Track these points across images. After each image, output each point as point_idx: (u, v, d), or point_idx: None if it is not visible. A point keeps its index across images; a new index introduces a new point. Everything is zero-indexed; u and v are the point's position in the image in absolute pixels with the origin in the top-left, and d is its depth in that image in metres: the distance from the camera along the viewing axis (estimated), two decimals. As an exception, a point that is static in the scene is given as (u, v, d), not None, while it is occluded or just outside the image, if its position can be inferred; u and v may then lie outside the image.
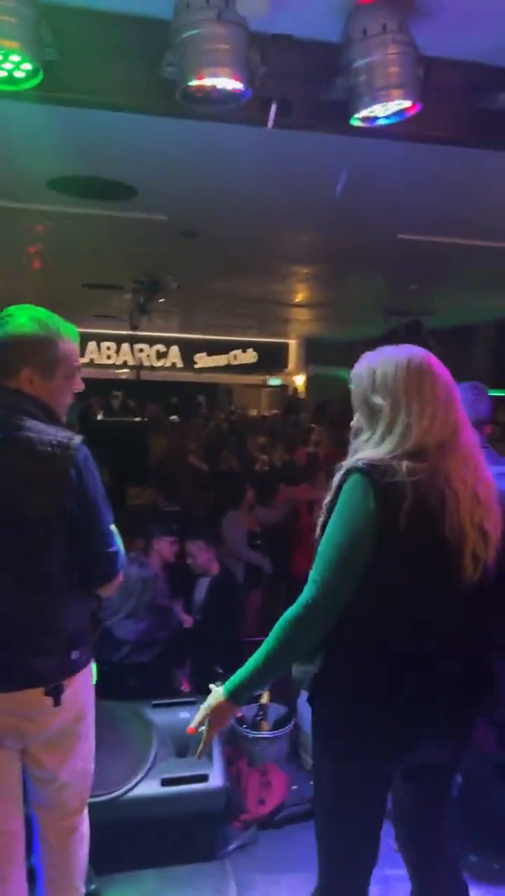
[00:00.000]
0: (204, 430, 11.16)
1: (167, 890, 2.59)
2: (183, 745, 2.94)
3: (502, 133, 2.52)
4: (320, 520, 1.66)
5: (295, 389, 16.88)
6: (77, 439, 1.79)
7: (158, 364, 15.99)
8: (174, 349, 16.13)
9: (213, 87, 2.16)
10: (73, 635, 1.83)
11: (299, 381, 16.97)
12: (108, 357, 15.54)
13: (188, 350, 16.26)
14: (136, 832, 2.62)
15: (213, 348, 16.44)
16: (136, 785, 2.62)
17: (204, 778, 2.70)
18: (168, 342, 15.94)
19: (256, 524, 5.47)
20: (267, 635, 1.63)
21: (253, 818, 2.92)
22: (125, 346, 15.32)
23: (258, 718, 3.39)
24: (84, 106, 2.37)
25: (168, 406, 14.26)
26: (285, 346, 17.01)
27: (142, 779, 2.64)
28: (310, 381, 16.61)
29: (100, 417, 11.21)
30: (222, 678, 3.75)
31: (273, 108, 2.27)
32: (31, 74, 2.12)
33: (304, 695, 3.39)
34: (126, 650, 3.38)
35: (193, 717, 1.76)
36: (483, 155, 3.01)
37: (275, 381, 17.43)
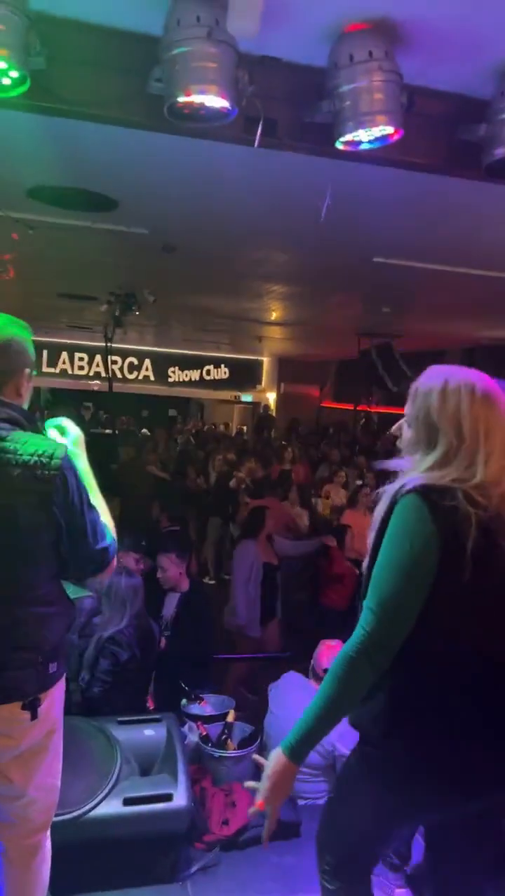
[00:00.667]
0: (168, 441, 11.16)
1: (127, 912, 2.53)
2: (147, 764, 2.89)
3: (478, 163, 2.57)
4: (369, 551, 1.56)
5: (266, 406, 16.96)
6: (61, 449, 1.78)
7: (131, 377, 15.94)
8: (147, 362, 16.11)
9: (201, 105, 2.18)
10: (52, 648, 1.81)
11: (271, 398, 17.04)
12: (81, 368, 15.44)
13: (161, 364, 16.25)
14: (97, 852, 2.56)
15: (187, 363, 16.46)
16: (98, 804, 2.56)
17: (168, 797, 2.65)
18: (141, 355, 15.92)
19: (273, 556, 5.33)
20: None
21: (216, 839, 2.88)
22: (98, 358, 15.25)
23: (224, 737, 3.35)
24: (70, 116, 2.36)
25: (139, 419, 14.21)
26: (259, 364, 17.11)
27: (104, 797, 2.59)
28: (281, 399, 16.70)
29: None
30: (188, 695, 3.72)
31: (259, 127, 2.30)
32: (18, 82, 2.12)
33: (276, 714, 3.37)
34: (121, 659, 3.32)
35: (258, 788, 1.59)
36: (458, 183, 3.09)
37: (247, 398, 17.48)
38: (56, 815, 2.39)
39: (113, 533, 1.90)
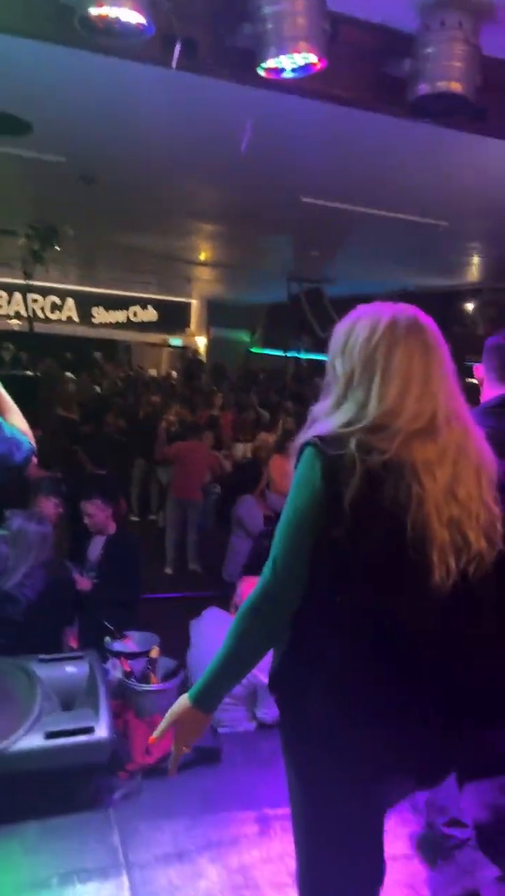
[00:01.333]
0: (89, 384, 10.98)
1: (50, 840, 2.59)
2: (69, 700, 2.92)
3: (403, 99, 2.55)
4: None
5: (195, 351, 16.76)
6: None
7: (53, 317, 15.38)
8: (70, 301, 15.55)
9: (115, 19, 2.05)
10: None
11: (201, 342, 16.85)
12: (-1, 306, 14.77)
13: (85, 303, 15.72)
14: (20, 785, 2.59)
15: (112, 303, 15.99)
16: (19, 738, 2.58)
17: (89, 730, 2.69)
18: (63, 294, 15.34)
19: (268, 509, 5.52)
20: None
21: (138, 768, 2.96)
22: (17, 296, 14.59)
23: (147, 672, 3.42)
24: (-27, 24, 2.19)
25: (63, 361, 13.79)
26: (187, 306, 16.80)
27: (25, 732, 2.61)
28: (211, 344, 16.54)
29: (-11, 369, 10.72)
30: (112, 634, 3.76)
31: (177, 47, 2.19)
32: None
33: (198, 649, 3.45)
34: (22, 608, 3.29)
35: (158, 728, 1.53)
36: (384, 122, 3.05)
37: (176, 342, 17.22)
38: (-25, 752, 2.41)
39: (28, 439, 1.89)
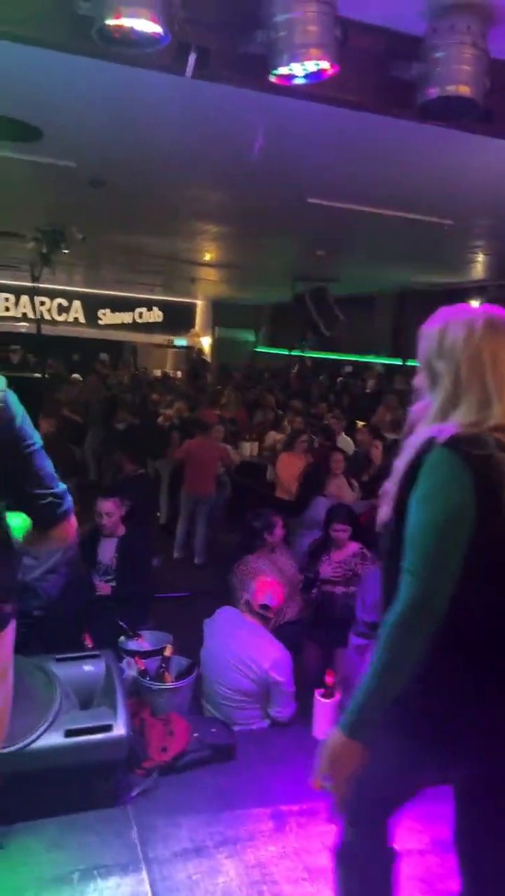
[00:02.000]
0: (100, 387, 11.05)
1: (69, 836, 2.63)
2: (87, 698, 2.97)
3: (411, 102, 2.57)
4: (392, 505, 1.47)
5: (200, 351, 16.81)
6: (1, 382, 1.72)
7: (60, 319, 15.47)
8: (77, 304, 15.64)
9: (131, 29, 2.09)
10: (4, 590, 1.80)
11: (206, 342, 16.90)
12: (7, 309, 14.85)
13: (91, 305, 15.81)
14: (40, 782, 2.63)
15: (118, 305, 16.07)
16: (39, 736, 2.62)
17: (108, 728, 2.73)
18: (70, 296, 15.43)
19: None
20: None
21: (155, 765, 3.00)
22: (24, 299, 14.68)
23: (161, 670, 3.46)
24: (-8, 35, 2.23)
25: (70, 363, 13.86)
26: (192, 307, 16.87)
27: (45, 730, 2.65)
28: (216, 343, 16.59)
29: (-4, 372, 10.78)
30: (126, 633, 3.81)
31: (192, 56, 2.23)
32: None
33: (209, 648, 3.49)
34: (43, 603, 3.34)
35: (317, 768, 1.49)
36: (391, 123, 3.08)
37: (181, 342, 17.27)
38: (-2, 749, 2.45)
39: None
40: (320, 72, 2.31)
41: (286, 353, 13.59)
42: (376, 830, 1.72)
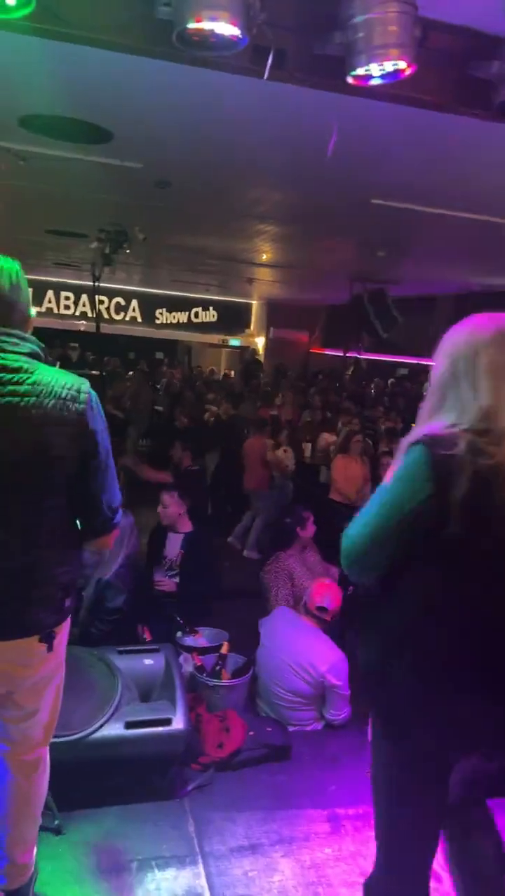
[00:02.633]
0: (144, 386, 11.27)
1: (127, 825, 2.68)
2: (147, 691, 3.01)
3: (488, 102, 2.53)
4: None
5: (254, 351, 16.86)
6: (86, 384, 1.78)
7: (118, 317, 15.74)
8: (134, 303, 15.89)
9: (211, 32, 2.11)
10: (69, 584, 1.86)
11: (260, 342, 16.93)
12: (67, 308, 15.20)
13: (148, 305, 16.03)
14: (100, 772, 2.70)
15: (175, 305, 16.25)
16: (100, 727, 2.68)
17: (167, 721, 2.78)
18: (128, 296, 15.68)
19: None
20: None
21: (211, 761, 3.03)
22: (84, 298, 15.00)
23: (218, 668, 3.49)
24: (73, 41, 2.28)
25: (126, 361, 14.10)
26: (248, 307, 16.93)
27: (106, 721, 2.70)
28: (270, 344, 16.60)
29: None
30: (182, 628, 3.85)
31: (270, 58, 2.24)
32: (22, 3, 2.03)
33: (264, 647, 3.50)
34: (121, 596, 3.44)
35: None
36: (464, 123, 3.03)
37: (235, 342, 17.35)
38: (62, 737, 2.52)
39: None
40: (398, 72, 2.29)
41: (341, 354, 13.51)
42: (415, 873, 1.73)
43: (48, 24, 2.16)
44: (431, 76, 2.50)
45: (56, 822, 2.57)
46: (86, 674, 2.85)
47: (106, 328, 13.97)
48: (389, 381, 13.96)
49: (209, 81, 3.17)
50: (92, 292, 11.98)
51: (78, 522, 1.88)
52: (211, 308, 16.47)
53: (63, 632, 1.92)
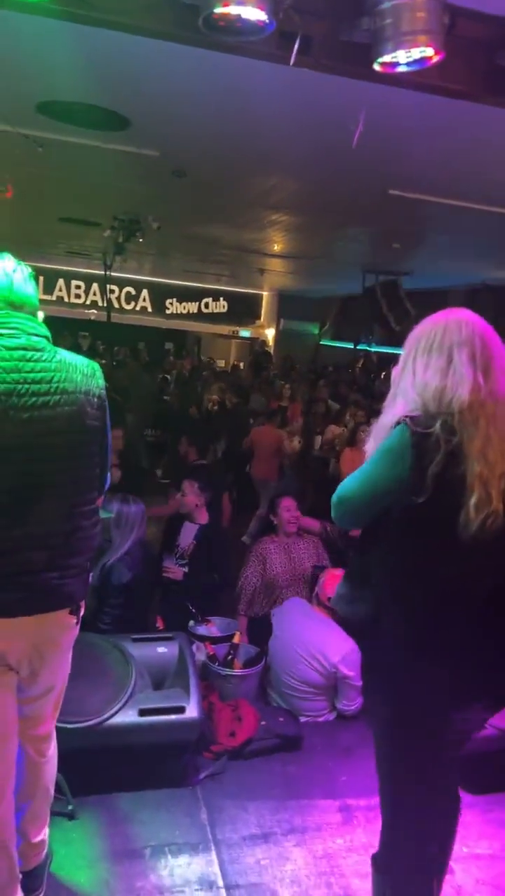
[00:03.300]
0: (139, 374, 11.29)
1: (140, 811, 2.70)
2: (160, 679, 3.02)
3: (516, 92, 2.51)
4: None
5: (263, 343, 16.80)
6: (98, 365, 1.93)
7: (128, 307, 15.71)
8: (145, 293, 15.84)
9: (238, 17, 2.09)
10: (93, 557, 1.95)
11: (270, 334, 16.87)
12: (77, 297, 15.17)
13: (159, 295, 15.98)
14: (113, 758, 2.71)
15: (185, 295, 16.19)
16: (115, 713, 2.69)
17: (180, 710, 2.79)
18: (139, 285, 15.63)
19: None
20: None
21: (223, 749, 3.04)
22: (95, 287, 14.97)
23: (230, 657, 3.50)
24: (100, 25, 2.27)
25: (136, 351, 14.08)
26: (258, 298, 16.85)
27: (121, 708, 2.72)
28: (280, 335, 16.54)
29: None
30: (195, 617, 3.86)
31: (296, 43, 2.22)
32: (48, -16, 2.03)
33: (277, 637, 3.51)
34: (125, 580, 3.44)
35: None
36: (488, 113, 3.00)
37: (245, 333, 17.29)
38: (76, 723, 2.54)
39: None
40: (425, 59, 2.27)
41: (351, 346, 13.44)
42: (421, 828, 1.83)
43: (73, 7, 2.15)
44: (458, 64, 2.48)
45: (70, 807, 2.59)
46: (100, 660, 2.86)
47: (116, 317, 13.97)
48: (382, 375, 13.88)
49: (230, 68, 3.14)
50: (103, 281, 11.96)
51: None
52: (221, 298, 16.40)
53: (83, 606, 1.98)
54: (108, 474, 2.02)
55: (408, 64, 2.30)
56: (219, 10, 2.05)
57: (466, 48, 2.49)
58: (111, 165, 5.31)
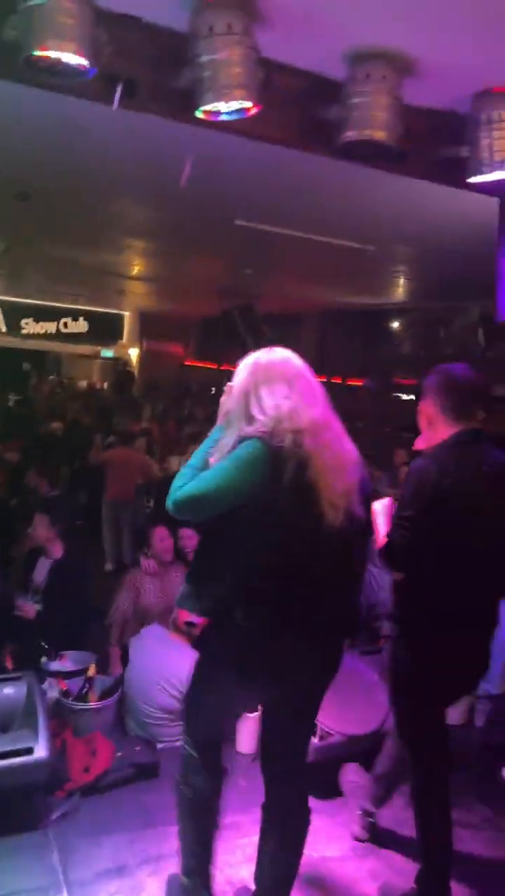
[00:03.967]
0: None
1: (-12, 863, 2.59)
2: (8, 721, 2.93)
3: (330, 140, 2.71)
4: None
5: (125, 363, 16.66)
6: None
7: (-21, 328, 15.02)
8: (-3, 312, 15.22)
9: (58, 60, 2.13)
10: None
11: (134, 354, 16.77)
12: None
13: (13, 314, 15.40)
14: (-44, 810, 2.59)
15: (42, 314, 15.72)
16: (-45, 763, 2.58)
17: (28, 751, 2.71)
18: (-9, 304, 15.01)
19: None
20: None
21: (77, 787, 2.98)
22: None
23: (85, 690, 3.44)
24: None
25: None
26: (120, 318, 16.70)
27: (-37, 756, 2.60)
28: (144, 355, 16.49)
29: None
30: (48, 654, 3.75)
31: (118, 90, 2.28)
32: None
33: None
34: None
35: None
36: (314, 157, 3.22)
37: (108, 353, 17.07)
38: None
39: None
40: (243, 110, 2.41)
41: (215, 367, 13.68)
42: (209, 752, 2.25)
43: None
44: (276, 115, 2.65)
45: None
46: None
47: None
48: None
49: (66, 102, 3.16)
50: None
51: None
52: (81, 318, 16.09)
53: None
54: None
55: (228, 113, 2.43)
56: (37, 53, 2.07)
57: (286, 100, 2.67)
58: None
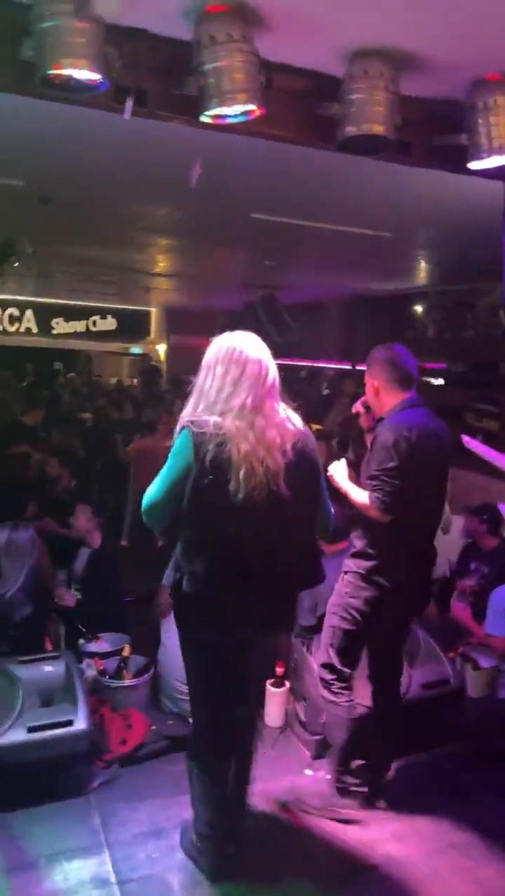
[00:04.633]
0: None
1: (36, 826, 2.80)
2: (49, 696, 3.13)
3: (333, 137, 2.82)
4: None
5: (151, 359, 16.85)
6: None
7: (12, 329, 15.36)
8: (28, 313, 15.53)
9: (71, 77, 2.28)
10: None
11: (162, 350, 16.97)
12: (-42, 321, 14.71)
13: (44, 315, 15.71)
14: (7, 777, 2.79)
15: (71, 314, 16.00)
16: (2, 735, 2.78)
17: (69, 723, 2.91)
18: (22, 306, 15.32)
19: None
20: None
21: (115, 757, 3.18)
22: (-24, 311, 14.58)
23: (120, 669, 3.64)
24: None
25: (23, 372, 13.82)
26: (147, 314, 16.90)
27: (8, 728, 2.81)
28: (171, 351, 16.68)
29: None
30: (86, 637, 3.95)
31: (129, 100, 2.43)
32: None
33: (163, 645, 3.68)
34: (25, 612, 3.50)
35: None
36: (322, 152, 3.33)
37: (136, 350, 17.31)
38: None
39: None
40: (248, 112, 2.54)
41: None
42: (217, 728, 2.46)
43: None
44: (280, 114, 2.77)
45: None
46: (-14, 685, 2.94)
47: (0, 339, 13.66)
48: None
49: (83, 113, 3.30)
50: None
51: None
52: (109, 316, 16.33)
53: None
54: None
55: (234, 116, 2.56)
56: (52, 71, 2.23)
57: (288, 99, 2.79)
58: (-24, 195, 5.34)
